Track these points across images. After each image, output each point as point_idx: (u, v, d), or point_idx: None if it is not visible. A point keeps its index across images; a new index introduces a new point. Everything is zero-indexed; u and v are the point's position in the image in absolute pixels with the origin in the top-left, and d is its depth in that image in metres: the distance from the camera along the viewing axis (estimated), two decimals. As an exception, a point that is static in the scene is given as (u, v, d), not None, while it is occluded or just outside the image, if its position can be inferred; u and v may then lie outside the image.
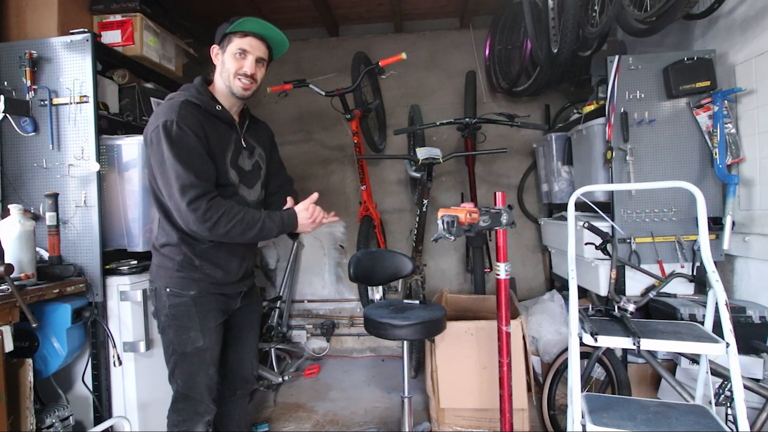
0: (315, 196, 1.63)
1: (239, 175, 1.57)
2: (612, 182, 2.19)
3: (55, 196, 1.77)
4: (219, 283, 1.55)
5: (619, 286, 2.12)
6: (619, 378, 1.93)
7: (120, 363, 1.83)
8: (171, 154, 1.37)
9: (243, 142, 1.60)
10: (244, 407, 1.83)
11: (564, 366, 2.10)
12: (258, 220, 1.46)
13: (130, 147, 1.95)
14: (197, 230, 1.40)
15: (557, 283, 3.24)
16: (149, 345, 1.93)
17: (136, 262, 1.98)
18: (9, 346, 1.48)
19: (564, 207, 2.78)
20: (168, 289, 1.51)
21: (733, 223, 1.99)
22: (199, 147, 1.42)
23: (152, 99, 2.25)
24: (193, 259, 1.51)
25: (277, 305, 3.20)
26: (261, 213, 1.49)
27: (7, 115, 1.82)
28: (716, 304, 1.43)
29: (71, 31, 1.88)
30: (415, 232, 2.83)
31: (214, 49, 1.56)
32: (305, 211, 1.56)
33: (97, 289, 1.85)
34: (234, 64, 1.50)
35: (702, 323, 1.59)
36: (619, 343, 1.47)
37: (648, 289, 1.88)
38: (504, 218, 1.58)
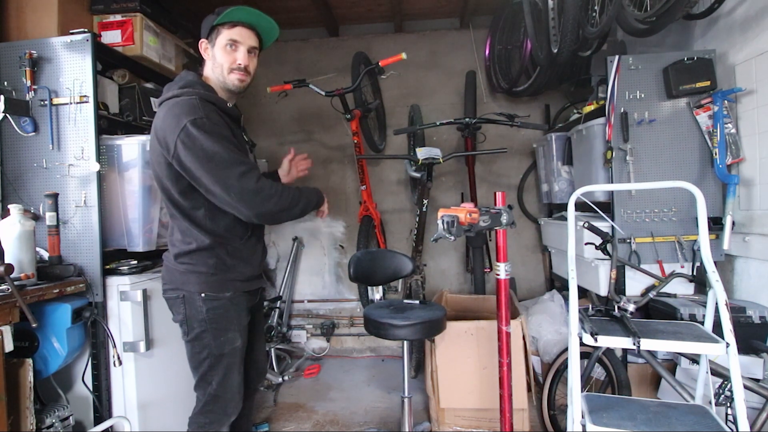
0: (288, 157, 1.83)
1: None
2: (612, 182, 2.19)
3: (55, 196, 1.77)
4: (247, 280, 1.56)
5: (619, 286, 2.12)
6: (619, 378, 1.93)
7: (120, 363, 1.83)
8: (217, 146, 1.33)
9: (245, 137, 1.62)
10: (252, 402, 1.86)
11: (564, 366, 2.10)
12: (299, 194, 1.50)
13: (130, 147, 1.95)
14: (260, 209, 1.39)
15: (557, 283, 3.24)
16: (149, 345, 1.93)
17: (136, 262, 1.97)
18: (9, 346, 1.48)
19: (564, 207, 2.78)
20: (203, 294, 1.47)
21: (733, 223, 1.99)
22: (232, 138, 1.43)
23: (152, 99, 2.25)
24: (226, 260, 1.50)
25: (277, 305, 3.20)
26: (294, 188, 1.51)
27: (7, 115, 1.82)
28: (716, 304, 1.43)
29: (71, 31, 1.88)
30: (415, 232, 2.83)
31: (203, 44, 1.51)
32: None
33: (97, 289, 1.85)
34: (226, 58, 1.46)
35: (702, 323, 1.59)
36: (619, 343, 1.47)
37: (648, 289, 1.87)
38: (504, 218, 1.57)
